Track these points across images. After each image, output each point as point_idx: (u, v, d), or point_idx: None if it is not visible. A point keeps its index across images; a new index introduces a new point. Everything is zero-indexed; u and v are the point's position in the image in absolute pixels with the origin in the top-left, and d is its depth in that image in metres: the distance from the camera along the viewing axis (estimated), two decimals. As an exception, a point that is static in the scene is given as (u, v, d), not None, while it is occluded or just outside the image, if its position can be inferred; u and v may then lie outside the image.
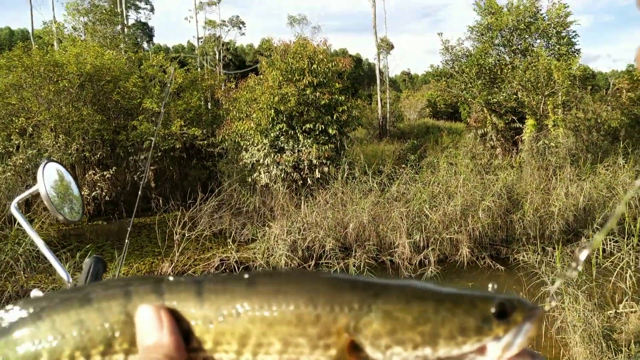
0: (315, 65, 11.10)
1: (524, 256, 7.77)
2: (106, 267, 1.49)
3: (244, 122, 11.07)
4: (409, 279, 0.50)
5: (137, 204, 1.39)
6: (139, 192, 1.43)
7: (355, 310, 0.44)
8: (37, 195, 1.24)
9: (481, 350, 0.45)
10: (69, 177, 1.42)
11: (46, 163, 1.30)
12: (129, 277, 0.48)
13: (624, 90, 14.82)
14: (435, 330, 0.45)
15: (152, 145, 1.50)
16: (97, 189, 11.44)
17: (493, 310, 0.46)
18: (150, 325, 0.43)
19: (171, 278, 0.47)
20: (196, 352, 0.45)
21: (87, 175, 11.63)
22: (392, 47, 31.02)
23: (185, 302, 0.45)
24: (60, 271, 1.22)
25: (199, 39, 28.57)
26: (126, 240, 1.20)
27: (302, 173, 10.74)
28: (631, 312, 5.93)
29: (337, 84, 11.35)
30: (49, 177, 1.30)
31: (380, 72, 24.19)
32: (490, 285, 0.52)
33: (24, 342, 0.45)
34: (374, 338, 0.44)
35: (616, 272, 6.64)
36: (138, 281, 0.46)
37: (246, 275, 0.46)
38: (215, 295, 0.45)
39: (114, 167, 11.76)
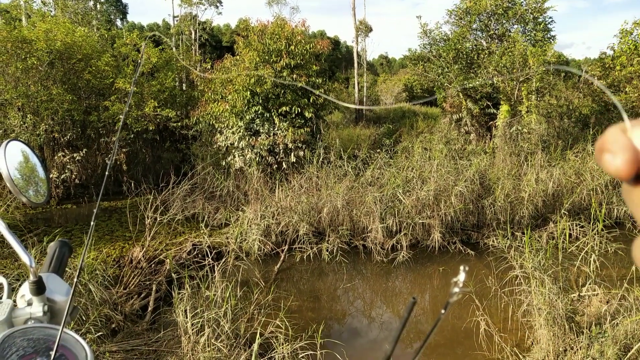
0: (292, 47, 10.97)
1: (493, 241, 7.92)
2: (72, 251, 1.45)
3: (219, 103, 10.92)
4: None
5: (104, 185, 1.35)
6: (106, 173, 1.38)
7: None
8: (0, 177, 1.20)
9: None
10: (34, 158, 1.37)
11: (9, 142, 1.25)
12: None
13: (595, 78, 15.06)
14: None
15: (121, 125, 1.45)
16: (66, 171, 11.19)
17: None
18: None
19: None
20: None
21: (56, 157, 11.35)
22: (371, 29, 30.85)
23: None
24: (23, 256, 1.18)
25: (174, 17, 27.94)
26: (92, 223, 1.17)
27: (277, 157, 10.68)
28: (593, 295, 6.12)
29: (314, 66, 11.25)
30: (13, 158, 1.26)
31: (358, 55, 24.07)
32: (461, 268, 0.51)
33: None
34: None
35: (581, 256, 6.81)
36: None
37: None
38: None
39: (84, 149, 11.50)
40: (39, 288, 1.15)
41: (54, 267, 1.35)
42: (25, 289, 1.17)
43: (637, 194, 0.39)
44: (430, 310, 6.98)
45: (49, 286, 1.19)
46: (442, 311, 0.46)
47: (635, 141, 0.38)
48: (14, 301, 1.16)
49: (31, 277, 1.14)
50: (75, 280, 1.15)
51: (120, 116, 11.33)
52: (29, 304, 1.16)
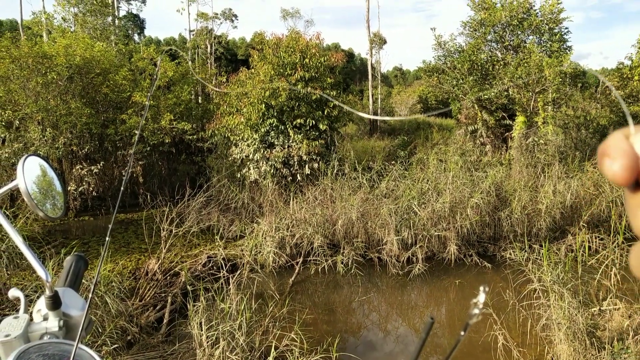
0: (307, 60, 11.04)
1: (510, 254, 7.81)
2: (87, 265, 1.46)
3: (234, 116, 11.01)
4: None
5: (120, 198, 1.36)
6: (122, 188, 1.40)
7: None
8: (19, 191, 1.22)
9: None
10: (52, 172, 1.39)
11: (27, 157, 1.27)
12: None
13: (613, 88, 14.86)
14: None
15: (137, 138, 1.47)
16: (84, 183, 11.34)
17: None
18: None
19: None
20: None
21: (74, 170, 11.52)
22: (385, 42, 30.94)
23: None
24: (40, 270, 1.20)
25: (190, 31, 28.34)
26: (107, 238, 1.18)
27: (291, 169, 10.71)
28: (615, 309, 5.98)
29: (328, 78, 11.31)
30: (30, 172, 1.27)
31: (372, 67, 24.13)
32: (481, 289, 0.49)
33: None
34: None
35: (601, 269, 6.69)
36: None
37: None
38: None
39: (101, 162, 11.66)
40: (55, 303, 1.16)
41: (70, 281, 1.36)
42: (41, 304, 1.17)
43: (634, 201, 0.38)
44: (446, 324, 6.89)
45: (65, 301, 1.20)
46: (462, 333, 0.44)
47: (637, 147, 0.37)
48: (31, 316, 1.17)
49: (47, 292, 1.15)
50: (90, 295, 1.15)
51: (136, 130, 11.48)
52: (45, 318, 1.16)
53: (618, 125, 13.56)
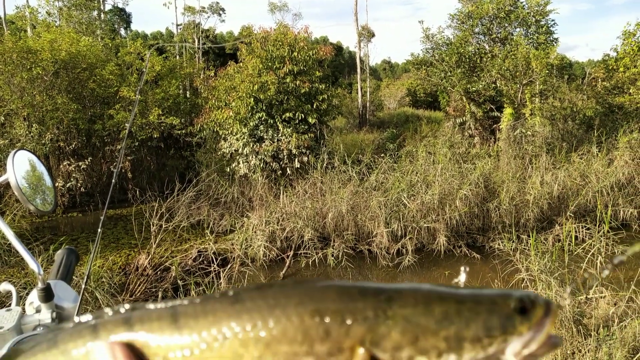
0: (295, 53, 11.02)
1: (499, 244, 7.89)
2: (79, 259, 1.47)
3: (223, 110, 10.96)
4: (412, 282, 0.44)
5: (110, 194, 1.37)
6: (112, 181, 1.41)
7: (370, 319, 0.38)
8: (8, 185, 1.22)
9: (501, 349, 0.41)
10: (41, 167, 1.40)
11: (16, 152, 1.27)
12: (102, 311, 0.44)
13: (599, 80, 15.04)
14: (460, 333, 0.39)
15: (127, 133, 1.47)
16: (72, 179, 11.24)
17: (513, 306, 0.42)
18: None
19: (149, 305, 0.42)
20: None
21: (61, 166, 11.41)
22: (373, 35, 30.93)
23: (158, 331, 0.40)
24: (31, 263, 1.20)
25: (177, 25, 28.11)
26: (98, 230, 1.19)
27: (281, 163, 10.70)
28: (601, 297, 6.08)
29: (317, 72, 11.29)
30: (20, 167, 1.28)
31: (361, 61, 24.12)
32: (462, 269, 0.50)
33: None
34: (394, 350, 0.38)
35: (587, 258, 6.78)
36: (108, 314, 0.42)
37: (231, 292, 0.40)
38: (195, 320, 0.39)
39: (89, 158, 11.56)
40: (47, 295, 1.16)
41: (62, 274, 1.36)
42: (33, 296, 1.18)
43: None
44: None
45: (57, 293, 1.20)
46: None
47: None
48: (23, 308, 1.18)
49: (39, 285, 1.15)
50: (82, 286, 1.16)
51: (126, 124, 11.39)
52: (38, 311, 1.17)
53: (604, 116, 13.71)
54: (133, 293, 6.44)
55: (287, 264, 8.15)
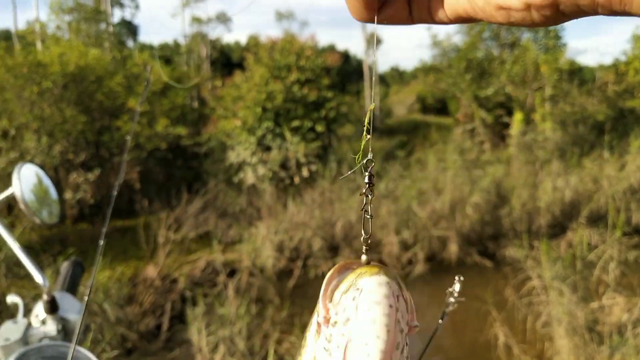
0: (302, 62, 11.02)
1: (510, 252, 7.78)
2: (84, 270, 1.48)
3: (230, 120, 10.98)
4: None
5: (111, 206, 1.37)
6: (114, 192, 1.39)
7: None
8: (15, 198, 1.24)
9: None
10: (46, 180, 1.42)
11: (23, 165, 1.29)
12: None
13: (609, 84, 14.89)
14: None
15: (129, 144, 1.49)
16: (81, 191, 11.27)
17: None
18: None
19: None
20: None
21: (70, 178, 11.46)
22: (381, 41, 30.95)
23: None
24: (37, 275, 1.23)
25: (185, 36, 28.31)
26: (100, 242, 1.20)
27: (289, 172, 10.67)
28: (614, 304, 5.97)
29: (325, 80, 11.28)
30: (26, 180, 1.30)
31: (369, 68, 24.13)
32: (456, 278, 0.46)
33: None
34: None
35: (599, 264, 6.67)
36: None
37: None
38: None
39: (98, 169, 11.60)
40: (53, 307, 1.20)
41: (67, 286, 1.40)
42: (39, 309, 1.22)
43: None
44: (449, 324, 6.86)
45: (62, 305, 1.24)
46: (440, 321, 0.42)
47: None
48: (29, 320, 1.20)
49: (45, 297, 1.21)
50: (86, 298, 1.14)
51: (135, 138, 11.43)
52: (43, 322, 1.22)
53: (615, 120, 13.55)
54: (141, 304, 6.41)
55: (296, 274, 8.09)
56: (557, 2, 0.29)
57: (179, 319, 6.32)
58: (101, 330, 5.16)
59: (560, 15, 0.30)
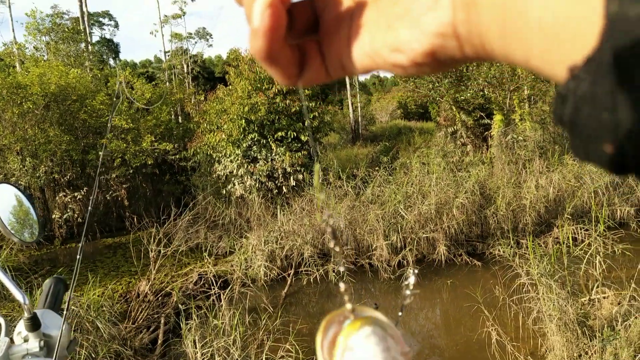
0: (283, 73, 11.09)
1: (498, 250, 7.89)
2: (67, 287, 1.47)
3: (215, 133, 11.01)
4: None
5: (87, 222, 1.39)
6: (89, 209, 1.43)
7: None
8: None
9: None
10: (24, 198, 1.41)
11: None
12: None
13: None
14: None
15: (100, 158, 1.50)
16: (68, 211, 11.20)
17: None
18: None
19: None
20: None
21: (57, 198, 11.38)
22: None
23: None
24: (16, 293, 1.22)
25: (165, 52, 28.30)
26: (77, 256, 1.21)
27: (276, 182, 10.72)
28: (603, 297, 6.07)
29: (307, 90, 11.37)
30: (3, 200, 1.29)
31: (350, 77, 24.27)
32: (410, 271, 0.49)
33: None
34: None
35: (586, 259, 6.79)
36: None
37: None
38: None
39: (84, 188, 11.54)
40: (34, 324, 1.17)
41: (50, 303, 1.37)
42: (21, 326, 1.20)
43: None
44: (442, 324, 6.93)
45: (45, 322, 1.21)
46: (400, 313, 0.47)
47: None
48: (11, 338, 1.19)
49: (26, 314, 1.17)
50: (65, 312, 1.17)
51: (120, 155, 11.39)
52: (26, 340, 1.18)
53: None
54: (135, 320, 6.39)
55: (288, 282, 8.12)
56: (435, 54, 0.31)
57: (174, 332, 6.31)
58: (94, 348, 5.13)
59: (444, 66, 0.33)
